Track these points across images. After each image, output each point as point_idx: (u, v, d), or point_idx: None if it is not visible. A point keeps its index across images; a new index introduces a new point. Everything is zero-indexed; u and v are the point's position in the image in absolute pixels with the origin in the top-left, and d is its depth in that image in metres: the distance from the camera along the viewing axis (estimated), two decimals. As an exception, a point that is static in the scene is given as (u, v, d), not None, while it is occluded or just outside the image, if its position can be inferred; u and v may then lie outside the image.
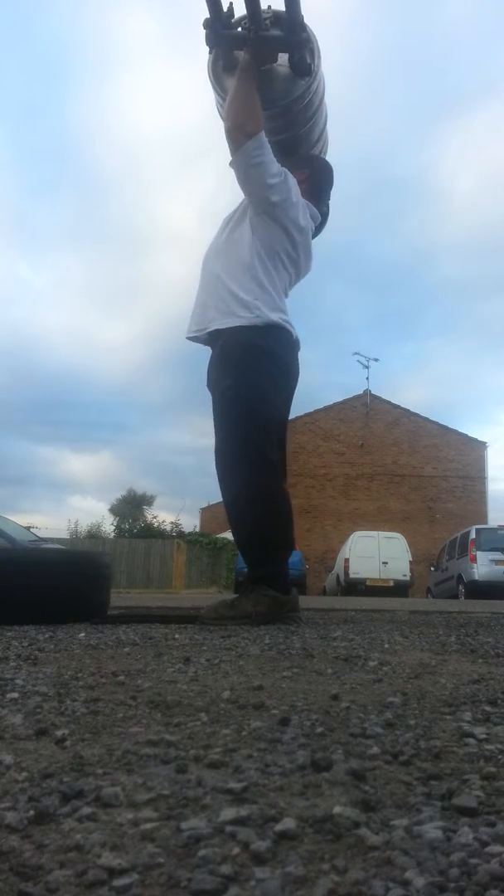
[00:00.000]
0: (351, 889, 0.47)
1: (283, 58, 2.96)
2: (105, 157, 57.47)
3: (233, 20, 2.93)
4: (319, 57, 3.00)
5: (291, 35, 2.85)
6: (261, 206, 2.86)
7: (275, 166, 2.84)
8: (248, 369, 2.75)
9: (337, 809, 0.60)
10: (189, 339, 3.00)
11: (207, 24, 2.88)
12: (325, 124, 3.26)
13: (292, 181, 2.90)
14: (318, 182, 3.16)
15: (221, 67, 3.04)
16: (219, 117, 3.13)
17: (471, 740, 0.85)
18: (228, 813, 0.59)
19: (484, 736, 0.87)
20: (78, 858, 0.51)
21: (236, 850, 0.52)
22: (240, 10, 2.90)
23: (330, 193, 3.26)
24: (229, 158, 2.88)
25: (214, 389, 2.89)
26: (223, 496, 2.89)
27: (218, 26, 2.87)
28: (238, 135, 2.80)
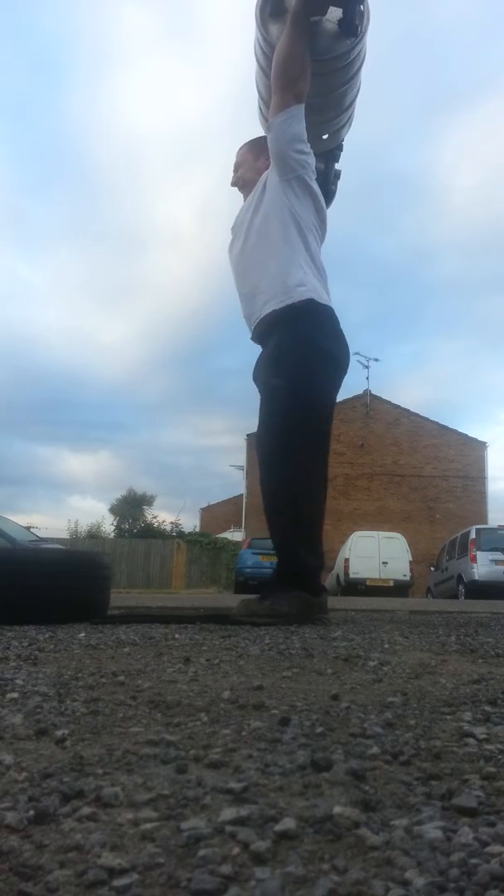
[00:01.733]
0: (351, 889, 0.47)
1: (331, 15, 2.93)
2: (102, 154, 57.54)
3: None
4: (368, 23, 2.97)
5: None
6: (292, 171, 2.86)
7: (305, 135, 2.86)
8: (304, 369, 2.73)
9: (337, 809, 0.60)
10: (254, 339, 2.99)
11: None
12: (355, 96, 3.22)
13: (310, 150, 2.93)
14: None
15: (269, 11, 3.02)
16: (254, 57, 3.11)
17: (471, 740, 0.85)
18: (228, 813, 0.59)
19: (484, 736, 0.87)
20: (78, 858, 0.51)
21: (236, 850, 0.52)
22: None
23: None
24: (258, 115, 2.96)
25: (265, 384, 2.86)
26: (262, 491, 2.86)
27: None
28: (288, 95, 2.82)
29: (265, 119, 3.29)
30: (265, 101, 3.18)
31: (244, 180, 3.13)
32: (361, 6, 2.91)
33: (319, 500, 2.80)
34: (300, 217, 2.86)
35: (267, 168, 3.02)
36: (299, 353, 2.74)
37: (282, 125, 2.81)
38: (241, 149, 3.22)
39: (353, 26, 2.90)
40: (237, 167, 3.20)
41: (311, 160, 2.91)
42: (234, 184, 3.20)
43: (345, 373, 2.93)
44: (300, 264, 2.80)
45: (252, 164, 3.13)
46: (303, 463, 2.73)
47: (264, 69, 3.07)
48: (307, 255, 2.83)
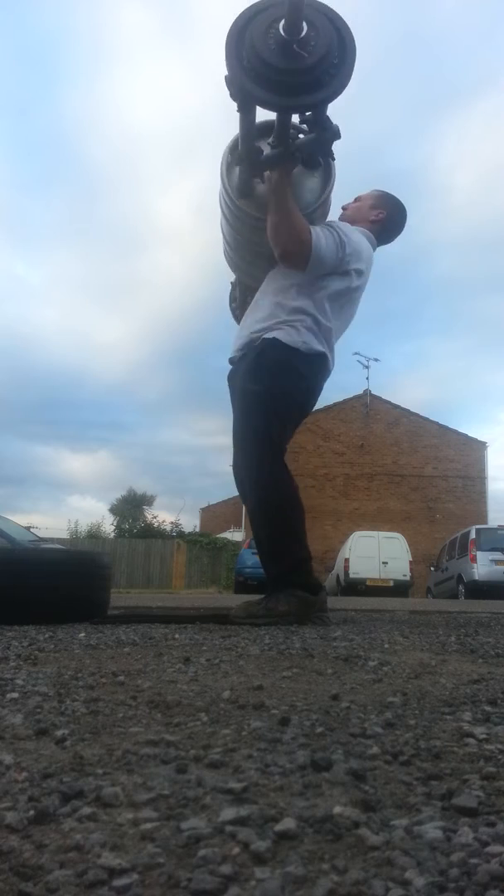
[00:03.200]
0: (351, 889, 0.47)
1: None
2: (100, 152, 57.44)
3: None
4: (334, 179, 3.02)
5: (324, 133, 2.69)
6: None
7: (334, 245, 2.82)
8: (279, 382, 2.81)
9: (337, 809, 0.60)
10: (231, 359, 3.04)
11: (245, 156, 2.80)
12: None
13: (347, 238, 2.87)
14: (391, 225, 3.20)
15: (237, 186, 2.94)
16: (219, 206, 3.07)
17: (471, 740, 0.85)
18: (228, 813, 0.59)
19: (484, 736, 0.87)
20: (78, 858, 0.51)
21: (236, 850, 0.52)
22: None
23: (396, 237, 3.27)
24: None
25: (240, 389, 2.94)
26: (241, 493, 2.95)
27: (256, 156, 2.77)
28: (299, 260, 2.79)
29: (230, 261, 3.30)
30: (229, 244, 3.17)
31: (346, 213, 3.17)
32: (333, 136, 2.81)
33: (297, 495, 2.86)
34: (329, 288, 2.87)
35: (373, 222, 3.09)
36: (278, 367, 2.82)
37: (317, 274, 2.82)
38: (371, 190, 3.25)
39: (317, 161, 2.90)
40: (356, 199, 3.24)
41: (353, 256, 2.86)
42: (343, 207, 3.24)
43: (314, 395, 3.01)
44: (306, 315, 2.84)
45: (365, 209, 3.16)
46: (280, 460, 2.83)
47: (228, 218, 3.03)
48: (315, 308, 2.85)
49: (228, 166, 2.97)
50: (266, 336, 2.84)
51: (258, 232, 2.94)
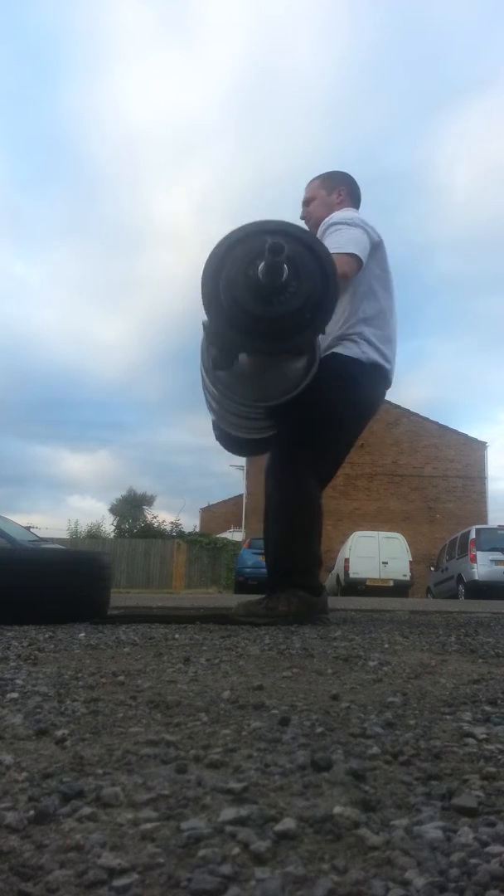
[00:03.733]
0: (351, 889, 0.47)
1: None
2: (99, 151, 57.27)
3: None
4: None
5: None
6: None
7: (355, 231, 2.77)
8: (335, 391, 2.80)
9: (337, 809, 0.60)
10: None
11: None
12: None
13: (351, 219, 2.83)
14: (353, 193, 3.14)
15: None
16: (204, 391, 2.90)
17: (471, 740, 0.85)
18: (228, 813, 0.59)
19: (484, 736, 0.87)
20: (78, 858, 0.51)
21: (236, 850, 0.52)
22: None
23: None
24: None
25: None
26: (266, 489, 2.92)
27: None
28: (354, 271, 2.72)
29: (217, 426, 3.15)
30: (218, 416, 2.98)
31: (313, 216, 3.06)
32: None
33: (318, 499, 2.85)
34: (357, 279, 2.82)
35: (339, 203, 3.02)
36: (337, 377, 2.80)
37: (365, 260, 2.76)
38: (311, 182, 3.15)
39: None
40: (307, 202, 3.13)
41: (369, 239, 2.80)
42: (302, 217, 3.14)
43: (373, 406, 3.05)
44: (360, 328, 2.84)
45: (325, 198, 3.07)
46: (304, 463, 2.80)
47: (213, 394, 2.86)
48: (369, 315, 2.85)
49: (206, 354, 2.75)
50: (326, 353, 2.84)
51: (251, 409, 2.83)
